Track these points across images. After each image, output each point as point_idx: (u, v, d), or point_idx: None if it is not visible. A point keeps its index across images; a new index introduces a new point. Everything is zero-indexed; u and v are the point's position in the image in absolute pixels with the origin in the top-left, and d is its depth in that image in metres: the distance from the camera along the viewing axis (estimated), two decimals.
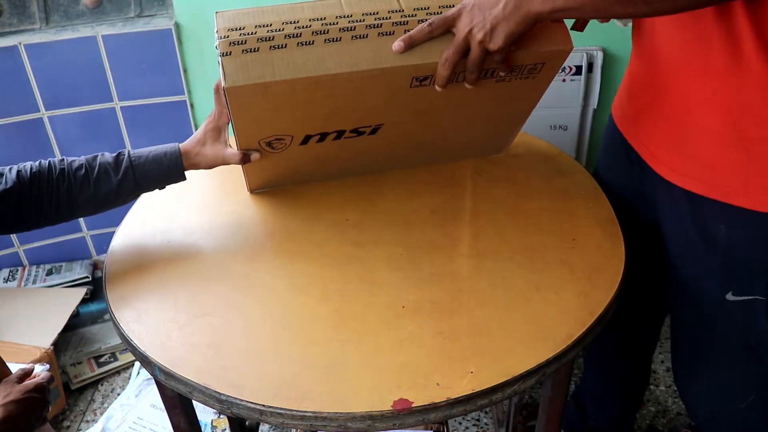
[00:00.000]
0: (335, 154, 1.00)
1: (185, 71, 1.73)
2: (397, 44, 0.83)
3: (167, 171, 0.93)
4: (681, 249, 0.96)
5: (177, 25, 1.66)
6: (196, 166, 0.95)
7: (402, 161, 1.09)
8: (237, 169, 1.07)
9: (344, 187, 1.07)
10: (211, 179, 1.13)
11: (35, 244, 1.92)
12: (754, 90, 0.79)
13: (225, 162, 0.94)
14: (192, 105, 1.79)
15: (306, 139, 0.94)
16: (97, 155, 0.92)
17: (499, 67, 0.86)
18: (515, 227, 0.96)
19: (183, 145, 0.94)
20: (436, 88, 0.87)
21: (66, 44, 1.64)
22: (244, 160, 0.93)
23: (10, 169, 0.89)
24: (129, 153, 0.92)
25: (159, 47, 1.68)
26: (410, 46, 0.83)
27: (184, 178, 0.96)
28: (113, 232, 1.02)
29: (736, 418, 1.07)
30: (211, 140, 0.94)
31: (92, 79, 1.70)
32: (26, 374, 0.95)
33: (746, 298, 0.91)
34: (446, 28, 0.83)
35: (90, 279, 1.90)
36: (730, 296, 0.92)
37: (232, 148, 0.95)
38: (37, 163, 0.90)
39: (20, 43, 1.62)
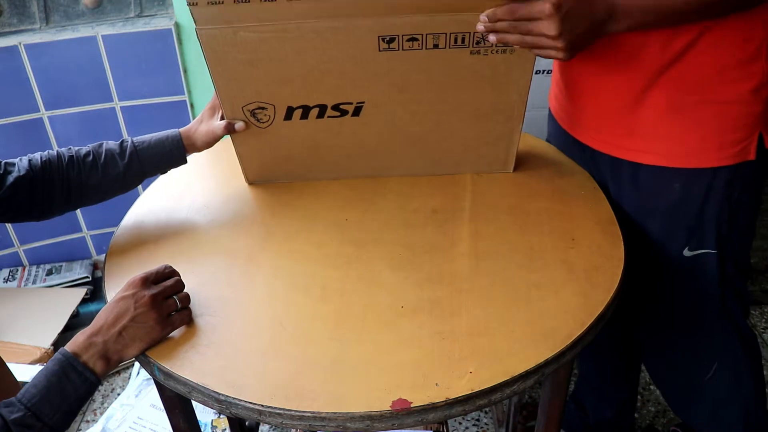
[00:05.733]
0: (325, 141, 1.02)
1: (185, 71, 1.73)
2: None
3: (169, 153, 0.99)
4: (641, 217, 1.02)
5: (177, 25, 1.66)
6: (194, 145, 1.01)
7: (402, 164, 1.09)
8: (237, 170, 1.07)
9: (344, 187, 1.08)
10: (212, 180, 1.13)
11: (35, 244, 1.92)
12: (683, 64, 0.87)
13: (215, 134, 1.00)
14: (192, 105, 1.79)
15: (289, 113, 0.97)
16: (102, 143, 0.98)
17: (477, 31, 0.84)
18: (515, 227, 0.96)
19: (182, 129, 1.01)
20: (479, 25, 0.82)
21: (66, 44, 1.65)
22: (229, 128, 0.99)
23: (21, 159, 0.92)
24: (132, 139, 0.98)
25: (159, 47, 1.68)
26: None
27: (185, 161, 1.01)
28: (113, 232, 1.02)
29: (705, 394, 1.11)
30: (207, 119, 1.01)
31: (92, 79, 1.70)
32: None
33: (700, 252, 0.99)
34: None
35: (90, 279, 1.90)
36: (686, 252, 1.00)
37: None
38: (46, 152, 0.94)
39: (20, 43, 1.62)
